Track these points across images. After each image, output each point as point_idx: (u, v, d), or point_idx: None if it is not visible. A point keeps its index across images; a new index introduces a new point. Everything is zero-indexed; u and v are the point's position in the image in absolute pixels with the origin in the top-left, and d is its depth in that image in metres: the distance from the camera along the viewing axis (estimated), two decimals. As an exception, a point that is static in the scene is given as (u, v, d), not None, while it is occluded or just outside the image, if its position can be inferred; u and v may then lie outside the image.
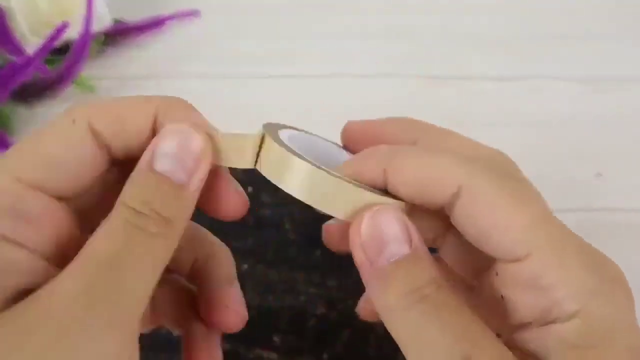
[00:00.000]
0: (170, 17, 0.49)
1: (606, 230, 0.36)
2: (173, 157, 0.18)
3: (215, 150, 0.20)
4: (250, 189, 0.37)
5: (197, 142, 0.19)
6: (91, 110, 0.19)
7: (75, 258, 0.17)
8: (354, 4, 0.52)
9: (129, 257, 0.17)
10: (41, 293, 0.17)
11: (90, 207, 0.21)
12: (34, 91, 0.42)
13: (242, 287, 0.25)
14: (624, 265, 0.34)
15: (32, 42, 0.41)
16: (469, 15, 0.51)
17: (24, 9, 0.41)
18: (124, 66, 0.46)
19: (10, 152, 0.19)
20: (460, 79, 0.45)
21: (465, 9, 0.51)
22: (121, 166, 0.21)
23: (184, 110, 0.21)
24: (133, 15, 0.48)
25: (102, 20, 0.45)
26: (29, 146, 0.19)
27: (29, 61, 0.39)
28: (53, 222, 0.18)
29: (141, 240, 0.17)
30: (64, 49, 0.42)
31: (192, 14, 0.50)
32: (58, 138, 0.19)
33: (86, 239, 0.18)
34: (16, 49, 0.40)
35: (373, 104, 0.43)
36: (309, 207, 0.36)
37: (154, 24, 0.48)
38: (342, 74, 0.45)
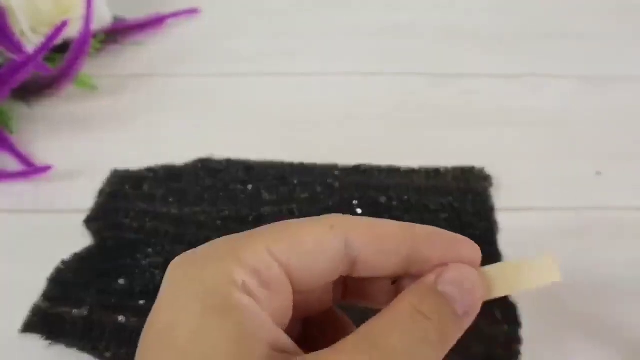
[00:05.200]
0: (170, 16, 0.49)
1: (606, 229, 0.36)
2: (456, 288, 0.19)
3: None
4: (250, 186, 0.37)
5: (480, 290, 0.20)
6: (352, 223, 0.20)
7: (352, 335, 0.17)
8: (355, 3, 0.52)
9: (414, 355, 0.17)
10: (322, 356, 0.17)
11: (304, 305, 0.21)
12: (34, 89, 0.42)
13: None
14: (624, 265, 0.35)
15: (32, 40, 0.41)
16: (470, 14, 0.51)
17: (24, 8, 0.41)
18: (124, 64, 0.46)
19: (269, 226, 0.20)
20: (460, 77, 0.45)
21: (465, 8, 0.51)
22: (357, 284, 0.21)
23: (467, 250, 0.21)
24: (133, 13, 0.48)
25: (102, 19, 0.45)
26: (286, 228, 0.19)
27: (28, 59, 0.39)
28: (283, 301, 0.19)
29: (423, 344, 0.18)
30: (64, 47, 0.42)
31: (192, 12, 0.50)
32: (314, 233, 0.19)
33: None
34: (16, 47, 0.40)
35: (373, 103, 0.43)
36: (309, 204, 0.36)
37: (154, 22, 0.48)
38: (342, 72, 0.45)
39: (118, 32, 0.47)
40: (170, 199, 0.36)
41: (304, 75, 0.45)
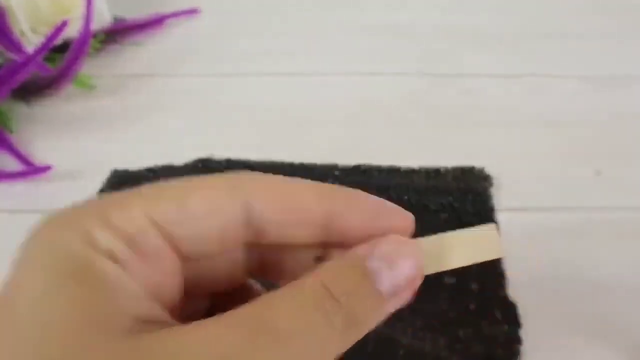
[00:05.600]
0: (170, 16, 0.49)
1: (606, 229, 0.36)
2: (386, 264, 0.16)
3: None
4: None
5: (413, 269, 0.17)
6: (256, 185, 0.17)
7: (243, 309, 0.15)
8: (355, 3, 0.52)
9: (303, 341, 0.15)
10: (189, 330, 0.14)
11: (204, 277, 0.18)
12: (33, 89, 0.42)
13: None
14: (624, 264, 0.34)
15: (32, 40, 0.41)
16: (469, 14, 0.51)
17: (24, 8, 0.41)
18: (124, 64, 0.46)
19: (153, 186, 0.17)
20: (460, 77, 0.45)
21: (465, 8, 0.51)
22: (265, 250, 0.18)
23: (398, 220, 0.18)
24: (133, 13, 0.48)
25: (102, 19, 0.45)
26: (171, 189, 0.17)
27: (28, 59, 0.39)
28: (163, 270, 0.16)
29: (321, 328, 0.15)
30: (63, 47, 0.42)
31: (192, 12, 0.50)
32: (205, 195, 0.16)
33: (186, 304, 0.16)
34: (16, 47, 0.40)
35: (373, 103, 0.43)
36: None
37: (154, 22, 0.48)
38: (342, 72, 0.45)
39: (118, 32, 0.47)
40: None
41: (304, 75, 0.45)
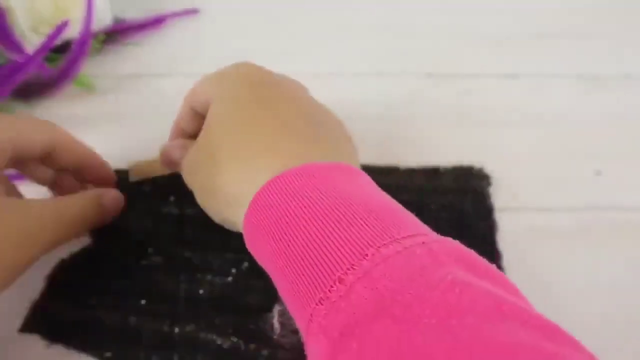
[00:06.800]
0: (170, 16, 0.49)
1: (606, 229, 0.36)
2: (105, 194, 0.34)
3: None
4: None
5: (117, 195, 0.35)
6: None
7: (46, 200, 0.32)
8: (355, 3, 0.52)
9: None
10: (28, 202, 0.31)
11: None
12: (34, 89, 0.42)
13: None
14: (624, 263, 0.35)
15: (32, 40, 0.41)
16: (469, 14, 0.51)
17: (24, 8, 0.41)
18: (124, 64, 0.46)
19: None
20: (459, 77, 0.45)
21: (465, 8, 0.51)
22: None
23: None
24: (133, 13, 0.48)
25: (103, 19, 0.45)
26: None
27: (29, 60, 0.39)
28: None
29: (94, 209, 0.33)
30: (64, 48, 0.42)
31: (192, 12, 0.50)
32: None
33: None
34: (16, 47, 0.40)
35: (373, 103, 0.43)
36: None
37: (154, 23, 0.48)
38: (342, 72, 0.45)
39: (118, 32, 0.47)
40: (171, 199, 0.36)
41: (304, 75, 0.45)
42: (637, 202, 0.37)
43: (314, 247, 0.22)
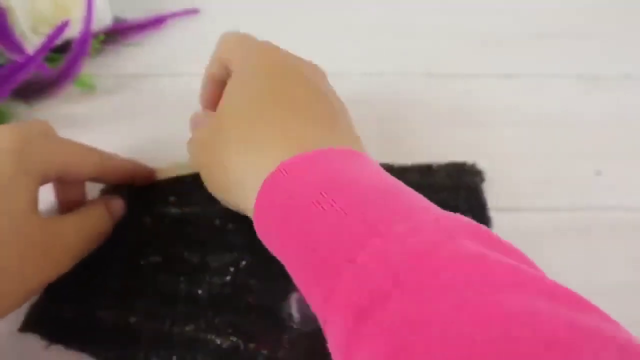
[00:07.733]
0: (170, 16, 0.49)
1: (606, 229, 0.36)
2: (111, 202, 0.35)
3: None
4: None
5: (120, 206, 0.35)
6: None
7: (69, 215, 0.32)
8: (354, 3, 0.52)
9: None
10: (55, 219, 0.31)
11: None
12: (34, 90, 0.42)
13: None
14: (624, 263, 0.35)
15: (32, 40, 0.41)
16: (469, 14, 0.51)
17: (24, 8, 0.41)
18: (124, 64, 0.46)
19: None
20: (459, 77, 0.45)
21: (465, 8, 0.51)
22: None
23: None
24: (133, 13, 0.48)
25: (103, 19, 0.45)
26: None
27: (29, 60, 0.39)
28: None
29: (104, 216, 0.33)
30: (64, 48, 0.42)
31: (192, 12, 0.50)
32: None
33: None
34: (16, 47, 0.40)
35: (373, 103, 0.43)
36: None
37: (154, 23, 0.48)
38: (342, 72, 0.45)
39: (118, 33, 0.47)
40: (171, 199, 0.36)
41: (304, 75, 0.45)
42: (637, 202, 0.37)
43: (329, 226, 0.23)
